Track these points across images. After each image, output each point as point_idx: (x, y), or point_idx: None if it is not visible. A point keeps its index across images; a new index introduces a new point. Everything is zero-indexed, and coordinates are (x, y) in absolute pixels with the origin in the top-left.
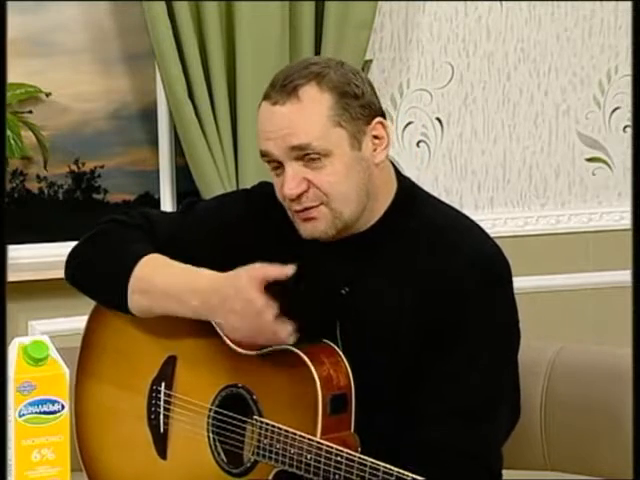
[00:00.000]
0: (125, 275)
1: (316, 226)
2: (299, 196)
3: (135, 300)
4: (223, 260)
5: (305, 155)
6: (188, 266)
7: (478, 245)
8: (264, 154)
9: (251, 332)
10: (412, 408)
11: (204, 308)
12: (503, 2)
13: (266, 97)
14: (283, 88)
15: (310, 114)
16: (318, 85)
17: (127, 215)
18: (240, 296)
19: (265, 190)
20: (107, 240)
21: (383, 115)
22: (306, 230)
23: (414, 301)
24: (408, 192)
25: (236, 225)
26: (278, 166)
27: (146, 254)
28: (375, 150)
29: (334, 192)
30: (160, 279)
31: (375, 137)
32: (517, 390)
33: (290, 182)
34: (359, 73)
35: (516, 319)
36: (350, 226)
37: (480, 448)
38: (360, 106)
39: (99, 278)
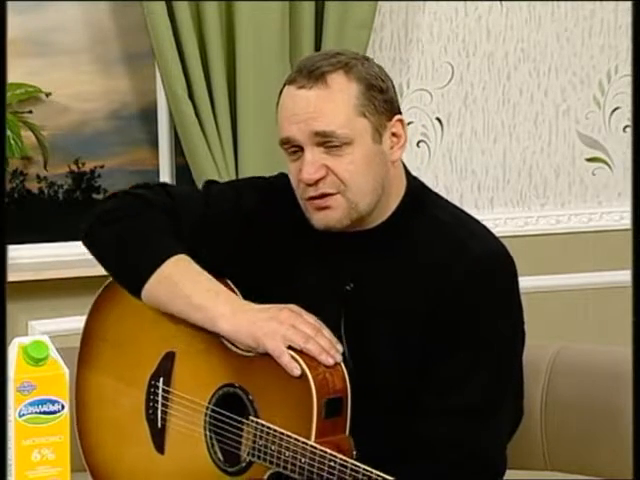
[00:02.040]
0: (151, 267)
1: (330, 215)
2: (316, 182)
3: (152, 290)
4: (237, 247)
5: (327, 142)
6: (214, 278)
7: (486, 245)
8: (285, 141)
9: (302, 338)
10: (417, 406)
11: (232, 314)
12: (503, 2)
13: (291, 82)
14: (311, 73)
15: (337, 101)
16: (346, 74)
17: (152, 191)
18: (285, 309)
19: (281, 182)
20: (136, 221)
21: (401, 114)
22: (319, 219)
23: (420, 299)
24: (417, 192)
25: (251, 215)
26: (297, 150)
27: (179, 252)
28: (392, 148)
29: (352, 181)
30: (187, 282)
31: (394, 134)
32: (521, 390)
33: (309, 167)
34: (383, 69)
35: (522, 319)
36: (362, 219)
37: (484, 446)
38: (384, 100)
39: (122, 258)
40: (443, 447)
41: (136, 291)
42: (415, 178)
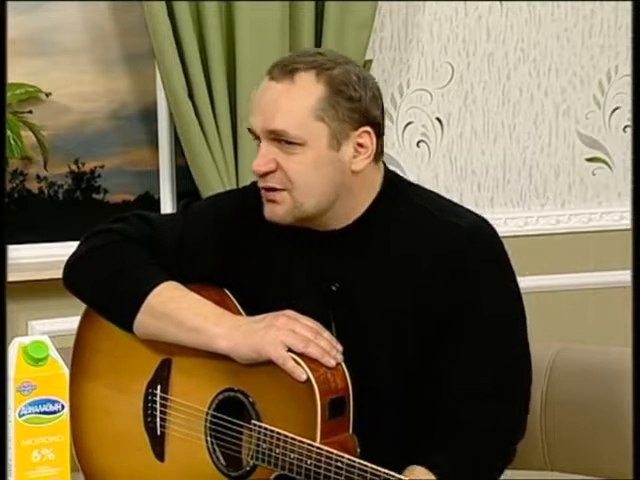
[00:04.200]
0: (135, 303)
1: (275, 209)
2: (266, 174)
3: (142, 324)
4: (222, 259)
5: (280, 138)
6: (201, 298)
7: (472, 222)
8: (251, 131)
9: (302, 343)
10: (430, 395)
11: (227, 331)
12: (503, 2)
13: (268, 72)
14: (284, 67)
15: (296, 100)
16: (317, 75)
17: (127, 223)
18: (281, 315)
19: (256, 187)
20: (114, 258)
21: (378, 127)
22: (267, 211)
23: (413, 289)
24: (392, 185)
25: (231, 224)
26: (259, 139)
27: (161, 281)
28: (355, 157)
29: (299, 181)
30: (174, 310)
31: (360, 145)
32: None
33: (260, 159)
34: (365, 79)
35: (519, 290)
36: (312, 219)
37: (513, 425)
38: (350, 109)
39: (105, 297)
40: (474, 431)
41: (127, 328)
42: (391, 172)
